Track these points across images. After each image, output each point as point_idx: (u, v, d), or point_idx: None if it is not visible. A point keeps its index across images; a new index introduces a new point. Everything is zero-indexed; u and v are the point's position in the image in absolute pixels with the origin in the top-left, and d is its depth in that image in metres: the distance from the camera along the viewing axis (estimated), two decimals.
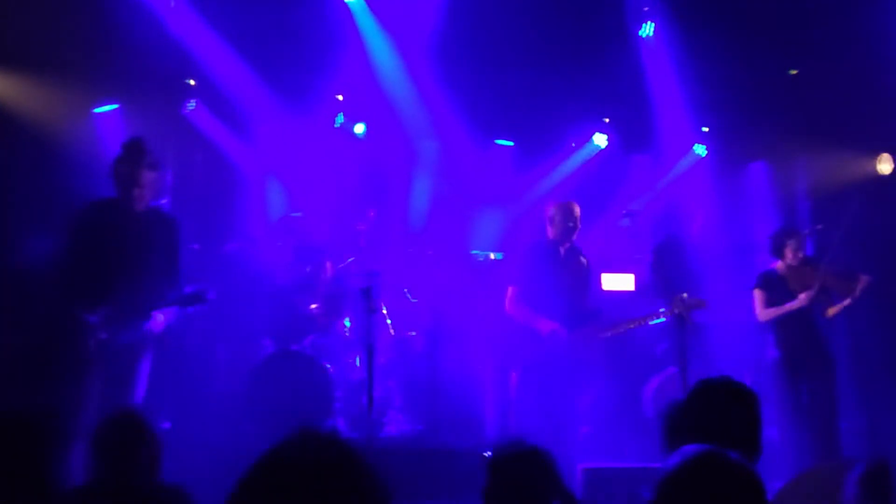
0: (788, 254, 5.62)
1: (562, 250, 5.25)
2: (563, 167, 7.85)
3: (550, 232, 5.27)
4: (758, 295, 5.68)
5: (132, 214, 4.34)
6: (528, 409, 5.15)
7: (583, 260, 5.34)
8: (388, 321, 6.37)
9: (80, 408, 4.01)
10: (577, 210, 5.28)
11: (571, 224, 5.20)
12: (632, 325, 5.30)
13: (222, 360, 6.05)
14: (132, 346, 4.28)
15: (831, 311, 5.60)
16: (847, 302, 5.54)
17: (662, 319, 5.21)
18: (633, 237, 7.10)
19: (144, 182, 4.33)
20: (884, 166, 7.75)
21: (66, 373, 4.18)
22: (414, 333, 6.43)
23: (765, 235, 6.04)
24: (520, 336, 5.26)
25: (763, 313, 5.65)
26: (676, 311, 5.01)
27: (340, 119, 7.46)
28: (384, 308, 6.28)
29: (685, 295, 5.06)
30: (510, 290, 5.23)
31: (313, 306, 6.24)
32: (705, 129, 7.99)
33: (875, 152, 7.72)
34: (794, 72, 7.52)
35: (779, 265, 5.72)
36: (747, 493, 1.46)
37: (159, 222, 4.45)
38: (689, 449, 1.54)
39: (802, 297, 5.44)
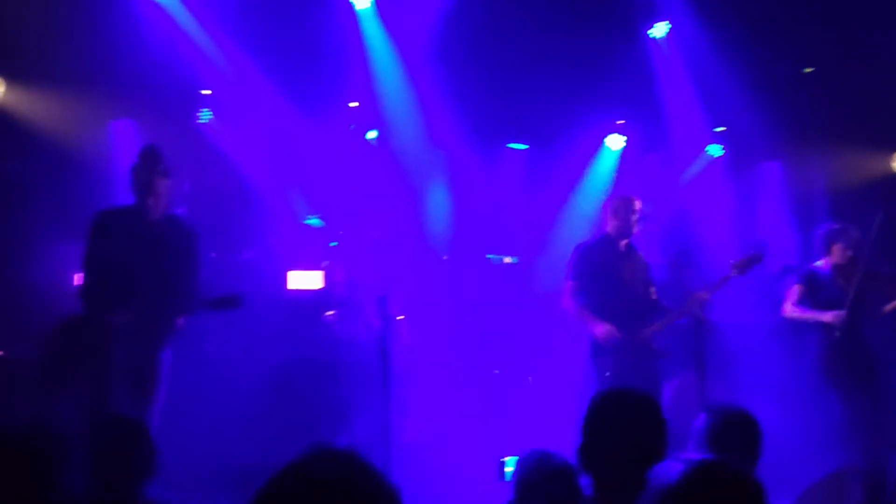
0: (836, 252, 5.53)
1: (621, 245, 5.12)
2: (589, 171, 7.80)
3: (610, 226, 5.14)
4: (795, 290, 5.60)
5: (148, 222, 4.36)
6: (557, 412, 5.08)
7: (641, 255, 5.19)
8: (403, 327, 6.38)
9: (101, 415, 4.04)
10: (639, 204, 5.14)
11: (634, 218, 5.05)
12: (671, 320, 5.12)
13: (239, 368, 6.07)
14: (153, 353, 4.31)
15: (888, 307, 5.56)
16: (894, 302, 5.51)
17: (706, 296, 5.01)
18: (646, 239, 7.06)
19: (160, 190, 4.36)
20: None
21: (88, 381, 4.21)
22: (430, 339, 6.43)
23: (779, 235, 6.01)
24: (570, 335, 5.16)
25: (790, 309, 5.59)
26: (694, 308, 4.92)
27: (352, 126, 7.48)
28: (400, 315, 6.29)
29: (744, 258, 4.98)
30: (567, 285, 5.13)
31: (329, 313, 6.27)
32: (720, 129, 7.96)
33: (891, 150, 7.66)
34: (809, 69, 7.48)
35: (824, 263, 5.64)
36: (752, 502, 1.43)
37: (176, 230, 4.46)
38: (691, 458, 1.49)
39: (831, 316, 5.38)
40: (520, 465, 2.59)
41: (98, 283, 4.28)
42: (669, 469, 1.43)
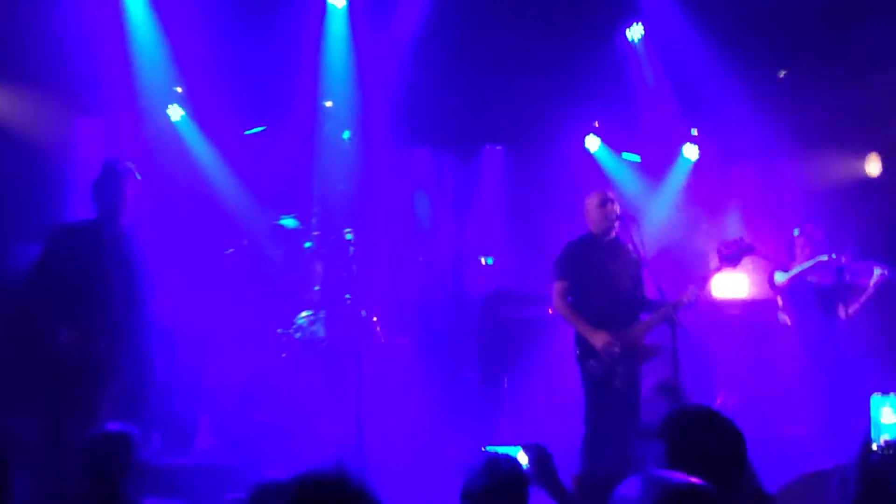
0: (798, 252, 5.81)
1: (604, 242, 5.02)
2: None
3: (590, 225, 5.06)
4: (778, 273, 5.84)
5: (109, 236, 4.35)
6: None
7: (630, 250, 5.04)
8: (378, 328, 6.33)
9: (51, 429, 4.03)
10: (611, 194, 5.06)
11: (607, 210, 4.94)
12: (663, 315, 4.91)
13: (212, 370, 5.99)
14: (117, 363, 4.27)
15: (851, 308, 5.65)
16: (864, 297, 5.63)
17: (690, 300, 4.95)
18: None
19: (126, 204, 4.38)
20: (872, 167, 7.78)
21: (41, 390, 4.18)
22: (405, 340, 6.39)
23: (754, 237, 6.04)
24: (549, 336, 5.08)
25: (781, 278, 5.78)
26: (670, 312, 4.86)
27: (329, 125, 7.43)
28: (374, 316, 6.24)
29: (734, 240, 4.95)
30: (555, 286, 5.01)
31: (304, 314, 6.20)
32: (694, 132, 8.02)
33: (863, 153, 7.76)
34: (782, 73, 7.54)
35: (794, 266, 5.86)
36: None
37: (135, 244, 4.45)
38: (658, 476, 1.47)
39: (824, 259, 5.58)
40: (466, 472, 2.41)
41: (54, 296, 4.24)
42: (636, 488, 1.42)
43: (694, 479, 1.47)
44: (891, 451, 2.37)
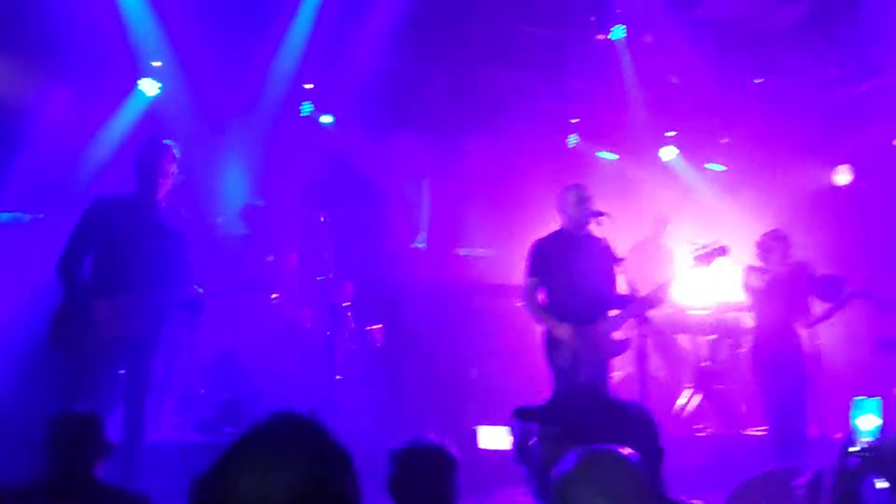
0: (775, 258, 5.61)
1: (577, 237, 4.94)
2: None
3: (563, 220, 4.99)
4: (751, 274, 5.69)
5: (147, 208, 4.36)
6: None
7: (603, 246, 4.98)
8: (349, 313, 6.32)
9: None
10: (586, 191, 4.97)
11: (582, 205, 4.88)
12: (632, 311, 4.89)
13: (184, 354, 5.94)
14: (150, 337, 4.30)
15: (817, 315, 5.67)
16: (832, 307, 5.62)
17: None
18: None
19: (168, 178, 4.40)
20: (841, 178, 7.92)
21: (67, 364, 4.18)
22: (379, 326, 6.39)
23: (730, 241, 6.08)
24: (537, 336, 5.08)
25: (757, 280, 5.67)
26: (653, 302, 4.88)
27: (308, 108, 7.39)
28: (347, 300, 6.24)
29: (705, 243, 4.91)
30: (524, 283, 4.98)
31: (274, 296, 6.18)
32: (671, 134, 8.10)
33: (834, 163, 7.90)
34: (759, 80, 7.64)
35: (762, 268, 5.75)
36: (634, 483, 1.63)
37: (177, 218, 4.47)
38: (587, 448, 1.68)
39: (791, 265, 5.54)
40: (397, 447, 2.69)
41: (95, 267, 4.27)
42: (569, 461, 1.66)
43: (614, 446, 1.68)
44: (869, 454, 2.44)
